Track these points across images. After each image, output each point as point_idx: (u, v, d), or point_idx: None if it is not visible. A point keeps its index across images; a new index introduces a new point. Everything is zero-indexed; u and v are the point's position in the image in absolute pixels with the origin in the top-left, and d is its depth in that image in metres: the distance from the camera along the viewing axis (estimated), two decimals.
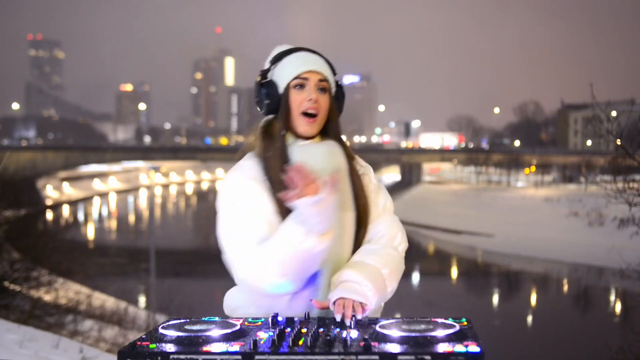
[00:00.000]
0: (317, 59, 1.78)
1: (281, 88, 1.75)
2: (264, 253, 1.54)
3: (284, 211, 1.61)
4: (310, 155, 1.71)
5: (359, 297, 1.54)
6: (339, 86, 1.84)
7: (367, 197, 1.78)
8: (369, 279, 1.59)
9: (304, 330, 1.38)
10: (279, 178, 1.63)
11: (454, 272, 26.99)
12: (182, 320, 1.45)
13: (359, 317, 1.48)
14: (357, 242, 1.75)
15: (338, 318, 1.47)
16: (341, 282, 1.58)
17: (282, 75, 1.75)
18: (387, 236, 1.76)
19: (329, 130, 1.79)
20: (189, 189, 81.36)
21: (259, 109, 1.81)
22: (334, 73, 1.83)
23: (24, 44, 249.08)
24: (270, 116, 1.78)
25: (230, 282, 1.90)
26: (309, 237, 1.49)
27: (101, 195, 65.25)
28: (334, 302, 1.53)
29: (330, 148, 1.76)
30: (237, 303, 1.74)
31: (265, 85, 1.76)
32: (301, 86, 1.74)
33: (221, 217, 1.67)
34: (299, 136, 1.76)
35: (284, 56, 1.78)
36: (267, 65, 1.80)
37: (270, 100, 1.75)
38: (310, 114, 1.73)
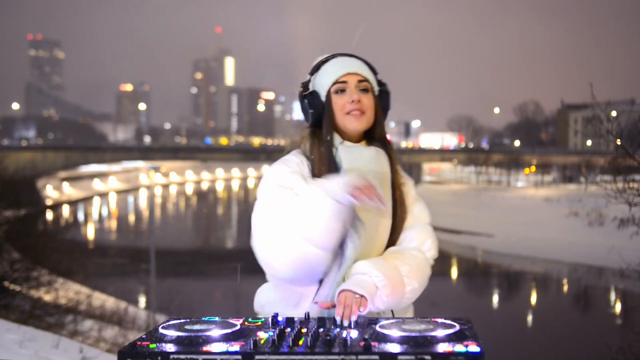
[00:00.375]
0: (354, 61, 1.80)
1: (323, 96, 1.78)
2: (282, 240, 1.58)
3: None
4: (357, 158, 1.74)
5: (360, 290, 1.54)
6: (383, 85, 1.84)
7: (405, 206, 1.81)
8: (381, 270, 1.60)
9: (304, 330, 1.38)
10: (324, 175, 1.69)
11: (454, 272, 26.98)
12: (182, 320, 1.45)
13: (358, 314, 1.48)
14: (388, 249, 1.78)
15: (338, 320, 1.47)
16: (351, 275, 1.61)
17: (322, 83, 1.78)
18: (416, 241, 1.78)
19: (374, 133, 1.80)
20: (189, 189, 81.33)
21: (305, 121, 1.83)
22: (375, 73, 1.84)
23: (24, 44, 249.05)
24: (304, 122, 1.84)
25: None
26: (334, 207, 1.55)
27: (101, 195, 65.23)
28: (338, 298, 1.54)
29: (376, 153, 1.77)
30: (266, 299, 1.78)
31: (308, 96, 1.79)
32: (342, 90, 1.76)
33: (257, 203, 1.71)
34: (346, 138, 1.78)
35: (321, 65, 1.81)
36: (307, 77, 1.83)
37: (314, 109, 1.78)
38: (355, 112, 1.75)
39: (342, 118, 1.76)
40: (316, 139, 1.77)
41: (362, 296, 1.53)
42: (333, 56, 1.82)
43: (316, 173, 1.73)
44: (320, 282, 1.69)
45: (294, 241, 1.58)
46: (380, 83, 1.84)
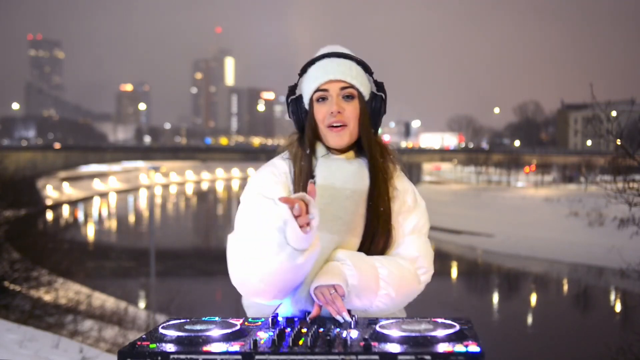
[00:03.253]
0: (340, 64, 1.66)
1: (306, 103, 1.69)
2: (247, 252, 1.46)
3: None
4: (333, 173, 1.63)
5: (330, 279, 1.48)
6: (379, 85, 1.71)
7: (385, 222, 1.65)
8: (353, 261, 1.53)
9: (304, 330, 1.38)
10: (302, 188, 1.61)
11: (454, 272, 26.97)
12: (182, 320, 1.45)
13: (347, 317, 1.44)
14: None
15: (340, 319, 1.46)
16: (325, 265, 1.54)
17: (306, 89, 1.68)
18: (408, 254, 1.66)
19: (363, 142, 1.67)
20: (189, 189, 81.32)
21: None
22: (370, 73, 1.70)
23: (24, 44, 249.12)
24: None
25: (231, 282, 1.90)
26: (284, 250, 1.39)
27: (101, 195, 65.22)
28: (318, 299, 1.50)
29: (358, 168, 1.65)
30: (247, 302, 1.74)
31: (293, 101, 1.71)
32: (323, 99, 1.65)
33: (239, 208, 1.65)
34: (332, 148, 1.67)
35: (308, 67, 1.69)
36: (297, 79, 1.73)
37: (297, 116, 1.70)
38: (335, 125, 1.64)
39: (323, 130, 1.65)
40: (300, 149, 1.68)
41: (334, 285, 1.48)
42: (321, 57, 1.69)
43: (296, 188, 1.65)
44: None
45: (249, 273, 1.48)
46: (377, 83, 1.71)
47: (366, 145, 1.66)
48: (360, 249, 1.63)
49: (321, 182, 1.62)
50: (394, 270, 1.58)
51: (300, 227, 1.35)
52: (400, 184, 1.73)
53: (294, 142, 1.72)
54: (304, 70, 1.70)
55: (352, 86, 1.65)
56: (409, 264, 1.64)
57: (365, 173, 1.65)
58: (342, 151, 1.68)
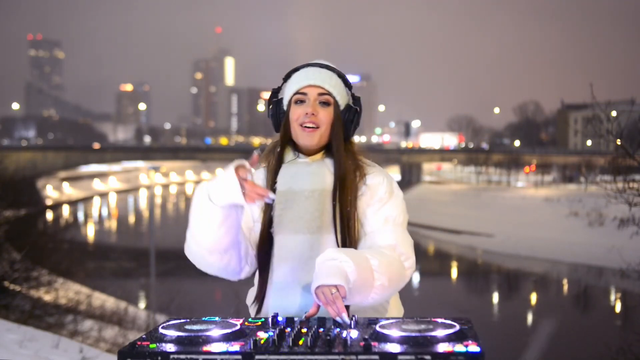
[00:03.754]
0: (321, 73, 1.77)
1: (285, 105, 1.80)
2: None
3: (266, 226, 1.75)
4: (293, 176, 1.75)
5: (332, 279, 1.47)
6: (355, 99, 1.82)
7: (354, 220, 1.72)
8: (349, 256, 1.53)
9: (304, 330, 1.38)
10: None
11: (454, 272, 26.98)
12: (182, 320, 1.45)
13: (346, 319, 1.42)
14: None
15: (339, 320, 1.44)
16: (319, 263, 1.54)
17: (287, 93, 1.79)
18: (384, 243, 1.69)
19: (332, 145, 1.76)
20: (189, 189, 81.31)
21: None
22: (349, 87, 1.81)
23: (24, 44, 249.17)
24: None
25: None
26: (205, 199, 1.58)
27: (101, 195, 65.22)
28: (319, 299, 1.49)
29: (317, 169, 1.75)
30: (249, 301, 1.86)
31: (273, 103, 1.82)
32: (301, 101, 1.76)
33: None
34: (303, 152, 1.78)
35: (292, 74, 1.81)
36: (281, 83, 1.84)
37: (275, 117, 1.82)
38: (308, 126, 1.74)
39: (296, 130, 1.75)
40: (274, 150, 1.80)
41: (336, 285, 1.47)
42: (305, 65, 1.80)
43: (267, 186, 1.77)
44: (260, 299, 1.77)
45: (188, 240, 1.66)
46: (354, 97, 1.81)
47: (335, 148, 1.75)
48: (340, 244, 1.71)
49: (281, 188, 1.74)
50: (382, 259, 1.61)
51: (246, 195, 1.52)
52: (373, 179, 1.78)
53: (269, 151, 1.83)
54: (288, 76, 1.81)
55: (329, 93, 1.75)
56: (390, 251, 1.67)
57: (326, 173, 1.74)
58: (311, 153, 1.78)
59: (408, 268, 1.69)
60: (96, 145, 65.11)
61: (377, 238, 1.71)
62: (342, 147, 1.76)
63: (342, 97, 1.78)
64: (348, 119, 1.79)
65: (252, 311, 1.81)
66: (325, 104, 1.75)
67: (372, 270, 1.57)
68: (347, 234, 1.72)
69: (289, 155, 1.79)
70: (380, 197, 1.76)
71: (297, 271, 1.70)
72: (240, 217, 1.63)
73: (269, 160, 1.80)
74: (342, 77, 1.80)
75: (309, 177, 1.73)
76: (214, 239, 1.61)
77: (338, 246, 1.71)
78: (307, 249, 1.70)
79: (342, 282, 1.47)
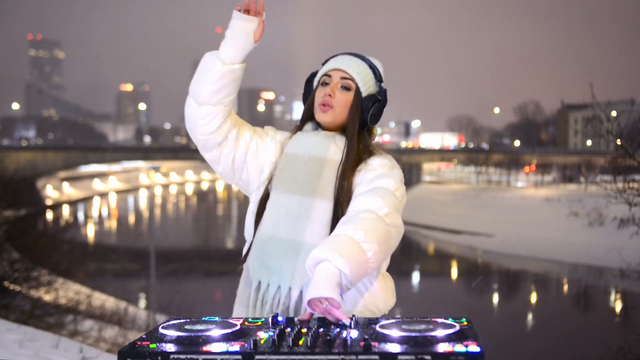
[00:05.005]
0: (350, 60, 1.88)
1: (314, 86, 1.94)
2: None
3: (267, 184, 1.87)
4: (298, 142, 1.87)
5: (326, 291, 1.46)
6: (381, 91, 1.90)
7: (347, 192, 1.80)
8: (338, 251, 1.53)
9: (304, 330, 1.38)
10: (278, 157, 1.90)
11: (454, 272, 26.99)
12: (182, 320, 1.45)
13: (338, 315, 1.42)
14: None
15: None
16: (314, 267, 1.54)
17: (317, 76, 1.94)
18: (364, 203, 1.70)
19: (347, 127, 1.87)
20: (189, 189, 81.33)
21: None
22: (379, 80, 1.90)
23: (24, 44, 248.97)
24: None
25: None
26: (213, 58, 1.83)
27: (101, 195, 65.20)
28: (312, 309, 1.48)
29: (324, 139, 1.85)
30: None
31: (307, 83, 1.97)
32: (326, 83, 1.87)
33: None
34: (322, 128, 1.90)
35: (329, 59, 1.94)
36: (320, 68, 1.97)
37: (305, 95, 1.97)
38: (324, 104, 1.85)
39: (316, 108, 1.87)
40: (297, 125, 1.96)
41: (327, 298, 1.45)
42: (342, 53, 1.93)
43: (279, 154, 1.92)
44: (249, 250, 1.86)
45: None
46: (381, 88, 1.90)
47: (348, 130, 1.86)
48: (333, 212, 1.78)
49: (287, 151, 1.87)
50: (364, 227, 1.61)
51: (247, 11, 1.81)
52: (375, 159, 1.86)
53: (295, 126, 1.99)
54: (325, 62, 1.95)
55: (351, 78, 1.85)
56: (368, 213, 1.67)
57: (330, 145, 1.84)
58: (329, 130, 1.88)
59: (392, 225, 1.70)
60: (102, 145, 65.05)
61: (360, 200, 1.73)
62: (355, 129, 1.86)
63: (365, 85, 1.87)
64: (366, 106, 1.86)
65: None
66: (346, 88, 1.85)
67: (360, 244, 1.57)
68: (340, 205, 1.79)
69: (307, 126, 1.92)
70: (377, 172, 1.82)
71: (279, 226, 1.78)
72: (238, 84, 1.86)
73: (293, 130, 1.94)
74: (373, 68, 1.89)
75: (313, 145, 1.84)
76: (210, 91, 1.81)
77: (333, 213, 1.78)
78: (294, 208, 1.78)
79: (333, 294, 1.46)
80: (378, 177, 1.80)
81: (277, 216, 1.80)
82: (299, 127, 1.93)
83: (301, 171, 1.82)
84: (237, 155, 1.92)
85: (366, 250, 1.58)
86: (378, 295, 1.80)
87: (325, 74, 1.88)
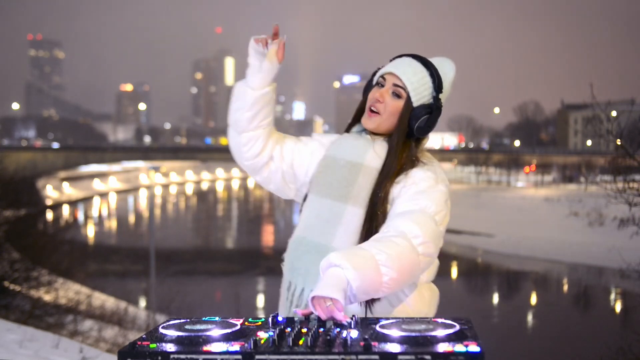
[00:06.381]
0: (410, 66, 1.80)
1: (372, 85, 1.89)
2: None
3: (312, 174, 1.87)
4: (338, 146, 1.85)
5: (330, 292, 1.44)
6: (436, 101, 1.80)
7: (384, 203, 1.75)
8: (352, 262, 1.49)
9: (304, 330, 1.38)
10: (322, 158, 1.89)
11: (454, 272, 26.98)
12: (182, 320, 1.45)
13: (340, 317, 1.40)
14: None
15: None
16: (326, 269, 1.52)
17: (377, 75, 1.88)
18: (400, 227, 1.63)
19: (393, 135, 1.82)
20: (189, 189, 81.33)
21: None
22: (438, 89, 1.80)
23: (24, 44, 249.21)
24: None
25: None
26: (243, 87, 1.88)
27: (101, 195, 65.21)
28: (314, 307, 1.46)
29: (362, 143, 1.82)
30: None
31: (368, 81, 1.93)
32: (381, 85, 1.83)
33: None
34: (365, 129, 1.87)
35: (396, 59, 1.89)
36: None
37: (363, 93, 1.92)
38: (372, 110, 1.82)
39: (366, 110, 1.84)
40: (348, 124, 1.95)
41: (332, 298, 1.43)
42: (408, 55, 1.86)
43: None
44: None
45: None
46: (436, 99, 1.80)
47: (394, 139, 1.81)
48: (365, 220, 1.76)
49: (328, 153, 1.85)
50: (390, 251, 1.55)
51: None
52: (418, 171, 1.78)
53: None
54: (390, 61, 1.91)
55: (403, 87, 1.79)
56: (402, 239, 1.59)
57: (368, 150, 1.80)
58: (375, 134, 1.85)
59: (422, 253, 1.62)
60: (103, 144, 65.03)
61: (399, 219, 1.66)
62: (400, 140, 1.80)
63: (418, 95, 1.79)
64: (416, 115, 1.79)
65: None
66: (396, 95, 1.80)
67: (378, 266, 1.52)
68: (376, 217, 1.75)
69: (356, 129, 1.90)
70: (418, 186, 1.74)
71: (310, 229, 1.79)
72: (272, 105, 1.90)
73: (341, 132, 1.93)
74: (434, 76, 1.80)
75: (351, 149, 1.82)
76: (246, 119, 1.87)
77: (365, 222, 1.77)
78: (326, 212, 1.78)
79: (338, 296, 1.43)
80: (419, 194, 1.72)
81: (309, 219, 1.81)
82: (348, 127, 1.92)
83: (336, 175, 1.80)
84: (285, 168, 1.92)
85: (383, 274, 1.53)
86: (411, 307, 1.76)
87: (382, 76, 1.84)
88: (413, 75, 1.79)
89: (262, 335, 1.34)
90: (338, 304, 1.43)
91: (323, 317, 1.42)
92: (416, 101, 1.79)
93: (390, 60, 1.88)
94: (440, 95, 1.81)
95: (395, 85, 1.79)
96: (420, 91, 1.79)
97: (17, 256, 11.86)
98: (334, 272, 1.50)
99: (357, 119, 1.90)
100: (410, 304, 1.76)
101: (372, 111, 1.81)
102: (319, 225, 1.77)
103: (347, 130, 1.92)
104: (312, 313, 1.48)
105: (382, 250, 1.54)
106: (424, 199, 1.70)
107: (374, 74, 1.90)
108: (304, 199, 1.88)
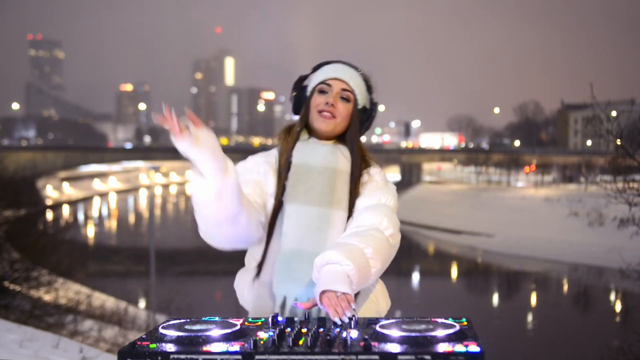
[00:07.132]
0: (349, 71, 1.89)
1: (309, 92, 1.91)
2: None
3: (278, 196, 1.81)
4: (308, 154, 1.85)
5: (341, 287, 1.52)
6: (373, 104, 1.93)
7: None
8: (350, 258, 1.59)
9: (304, 330, 1.38)
10: (283, 167, 1.85)
11: (454, 272, 26.99)
12: (182, 320, 1.45)
13: (349, 314, 1.44)
14: None
15: (338, 321, 1.44)
16: (322, 266, 1.60)
17: (313, 81, 1.91)
18: (372, 220, 1.76)
19: (346, 137, 1.89)
20: (189, 189, 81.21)
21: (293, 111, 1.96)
22: (370, 92, 1.93)
23: (24, 44, 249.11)
24: (296, 117, 1.94)
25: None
26: (202, 184, 1.59)
27: (101, 195, 65.24)
28: (322, 301, 1.51)
29: (332, 149, 1.86)
30: (240, 288, 1.91)
31: (298, 88, 1.94)
32: (324, 91, 1.86)
33: None
34: (316, 136, 1.89)
35: (323, 65, 1.93)
36: (309, 72, 1.96)
37: (297, 100, 1.93)
38: (326, 114, 1.85)
39: (314, 115, 1.85)
40: (289, 132, 1.91)
41: (344, 293, 1.52)
42: (336, 61, 1.92)
43: (280, 164, 1.87)
44: (260, 265, 1.82)
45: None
46: (372, 102, 1.92)
47: (351, 139, 1.88)
48: (348, 221, 1.82)
49: (297, 161, 1.84)
50: (374, 245, 1.67)
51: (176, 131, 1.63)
52: (373, 168, 1.92)
53: (284, 128, 1.95)
54: (317, 67, 1.93)
55: (351, 90, 1.86)
56: (378, 232, 1.72)
57: (339, 155, 1.85)
58: (323, 138, 1.88)
59: (394, 246, 1.77)
60: (110, 144, 64.98)
61: (367, 212, 1.79)
62: (358, 141, 1.89)
63: (362, 98, 1.89)
64: (362, 119, 1.91)
65: (246, 284, 1.87)
66: (346, 99, 1.86)
67: (368, 260, 1.65)
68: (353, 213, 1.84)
69: (304, 136, 1.90)
70: (377, 183, 1.88)
71: (304, 240, 1.78)
72: (234, 185, 1.60)
73: (285, 138, 1.90)
74: (366, 80, 1.92)
75: (324, 155, 1.84)
76: (216, 212, 1.64)
77: (348, 222, 1.81)
78: (315, 220, 1.79)
79: (349, 290, 1.53)
80: (379, 189, 1.86)
81: (299, 229, 1.78)
82: (297, 135, 1.87)
83: (317, 183, 1.82)
84: (265, 211, 1.83)
85: (371, 267, 1.66)
86: (380, 297, 1.87)
87: (324, 82, 1.87)
88: (355, 78, 1.88)
89: (262, 335, 1.34)
90: (350, 297, 1.52)
91: (334, 314, 1.45)
92: (360, 104, 1.89)
93: (315, 69, 1.92)
94: (372, 96, 1.93)
95: (344, 89, 1.85)
96: (361, 93, 1.89)
97: (17, 256, 11.85)
98: (333, 269, 1.58)
99: (302, 126, 1.89)
100: (379, 295, 1.87)
101: (325, 114, 1.84)
102: (312, 234, 1.78)
103: (297, 138, 1.88)
104: (314, 305, 1.53)
105: (368, 244, 1.67)
106: (384, 194, 1.85)
107: (299, 82, 1.93)
108: (276, 209, 1.82)
